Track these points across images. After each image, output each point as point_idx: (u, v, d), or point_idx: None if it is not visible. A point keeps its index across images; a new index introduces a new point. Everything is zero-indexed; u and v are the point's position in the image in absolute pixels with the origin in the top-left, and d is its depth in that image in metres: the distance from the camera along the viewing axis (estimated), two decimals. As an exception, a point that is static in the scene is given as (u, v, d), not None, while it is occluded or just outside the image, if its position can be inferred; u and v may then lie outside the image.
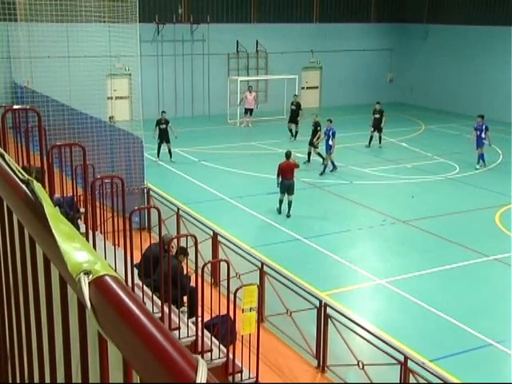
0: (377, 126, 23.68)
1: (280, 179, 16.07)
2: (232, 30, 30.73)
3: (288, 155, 16.46)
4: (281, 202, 16.21)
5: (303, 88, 33.41)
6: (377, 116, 23.73)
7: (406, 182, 19.67)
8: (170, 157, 21.03)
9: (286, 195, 16.13)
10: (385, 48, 35.31)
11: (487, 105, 30.87)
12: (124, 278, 7.31)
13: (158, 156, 20.91)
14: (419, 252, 14.01)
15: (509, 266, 13.23)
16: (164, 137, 20.81)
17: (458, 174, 20.71)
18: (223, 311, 8.09)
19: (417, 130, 28.31)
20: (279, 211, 16.18)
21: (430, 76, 33.95)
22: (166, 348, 0.94)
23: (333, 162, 20.37)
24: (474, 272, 13.02)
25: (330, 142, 20.30)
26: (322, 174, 20.12)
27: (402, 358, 7.96)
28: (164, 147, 20.88)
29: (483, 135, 21.44)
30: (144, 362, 0.96)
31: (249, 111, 27.71)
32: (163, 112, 21.46)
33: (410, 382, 7.87)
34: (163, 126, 20.74)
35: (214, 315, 8.76)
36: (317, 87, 34.58)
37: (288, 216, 16.00)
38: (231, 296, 7.67)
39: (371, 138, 23.75)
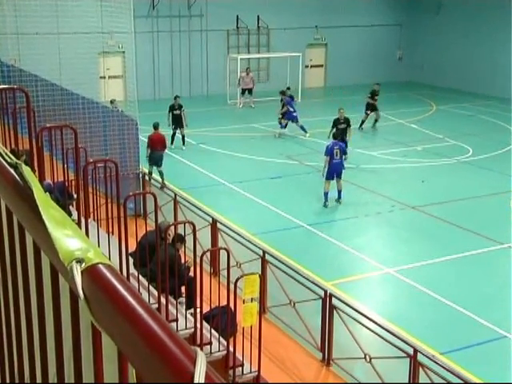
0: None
1: (149, 151, 16.57)
2: (231, 4, 30.51)
3: (156, 126, 16.90)
4: (150, 173, 16.39)
5: (307, 66, 33.28)
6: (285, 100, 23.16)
7: (415, 166, 19.65)
8: (183, 143, 20.98)
9: (155, 167, 16.62)
10: (394, 23, 35.10)
11: (503, 83, 30.72)
12: (118, 267, 7.34)
13: (173, 143, 20.77)
14: (429, 239, 14.03)
15: (524, 254, 13.25)
16: (178, 123, 20.71)
17: (471, 157, 20.68)
18: (223, 302, 8.12)
19: (428, 110, 28.23)
20: (150, 179, 16.03)
21: (441, 53, 33.77)
22: (162, 339, 0.94)
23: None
24: (487, 260, 13.04)
25: (344, 163, 16.45)
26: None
27: (411, 351, 8.00)
28: (178, 133, 20.83)
29: (291, 109, 22.60)
30: (140, 353, 0.97)
31: (247, 91, 27.76)
32: (177, 97, 21.28)
33: (420, 375, 7.90)
34: (177, 112, 20.64)
35: (213, 306, 8.79)
36: (322, 65, 34.44)
37: (162, 186, 15.62)
38: (231, 286, 7.69)
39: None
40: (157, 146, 16.70)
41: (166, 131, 19.84)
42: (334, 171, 15.86)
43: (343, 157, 16.15)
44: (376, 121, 24.01)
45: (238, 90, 28.19)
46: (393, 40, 35.36)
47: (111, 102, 19.47)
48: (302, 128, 22.75)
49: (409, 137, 23.18)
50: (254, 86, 27.96)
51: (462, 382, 7.72)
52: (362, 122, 23.72)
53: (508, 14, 30.15)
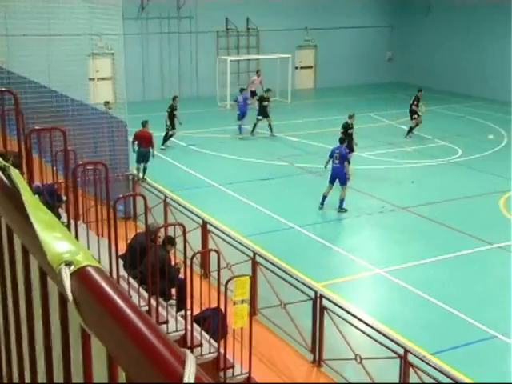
0: (264, 113, 23.17)
1: (136, 147, 16.82)
2: (221, 6, 30.48)
3: (143, 124, 17.23)
4: (138, 169, 16.67)
5: (297, 68, 33.32)
6: (265, 103, 23.24)
7: (405, 167, 19.72)
8: (165, 141, 21.26)
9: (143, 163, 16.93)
10: (384, 25, 35.22)
11: (492, 85, 30.92)
12: (109, 269, 7.32)
13: (164, 143, 21.00)
14: (420, 240, 14.07)
15: (514, 254, 13.33)
16: (174, 123, 21.02)
17: (460, 157, 20.78)
18: (214, 304, 8.12)
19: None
20: (138, 178, 16.09)
21: (431, 55, 33.91)
22: (152, 342, 0.94)
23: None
24: (477, 261, 13.10)
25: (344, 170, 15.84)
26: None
27: (401, 352, 8.02)
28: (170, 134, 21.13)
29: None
30: (129, 356, 0.96)
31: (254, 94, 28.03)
32: (176, 97, 21.50)
33: (410, 376, 7.92)
34: (176, 112, 20.93)
35: (204, 308, 8.78)
36: (312, 67, 34.50)
37: (143, 180, 16.00)
38: (222, 288, 7.69)
39: (255, 125, 23.26)
40: (141, 142, 16.97)
41: (158, 132, 19.81)
42: (334, 176, 15.74)
43: (345, 163, 15.71)
44: (412, 128, 23.58)
45: (229, 90, 28.23)
46: (383, 41, 35.47)
47: (105, 103, 19.48)
48: (240, 127, 23.25)
49: (399, 138, 23.27)
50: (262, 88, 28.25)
51: (452, 382, 7.75)
52: (410, 128, 23.55)
53: (497, 15, 30.36)
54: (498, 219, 15.38)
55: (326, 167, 16.28)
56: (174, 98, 21.30)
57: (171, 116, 20.90)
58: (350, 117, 18.80)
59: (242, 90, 24.33)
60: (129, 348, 0.96)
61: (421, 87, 25.31)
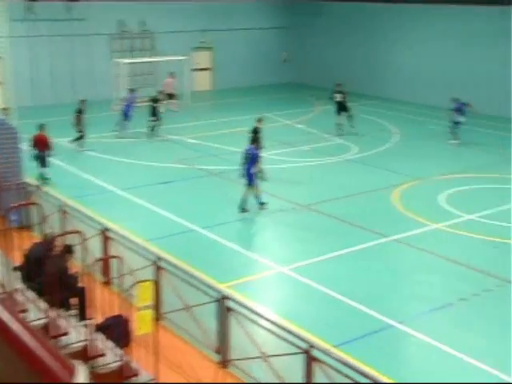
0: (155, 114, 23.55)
1: (35, 151, 17.14)
2: (114, 8, 30.08)
3: (39, 127, 17.50)
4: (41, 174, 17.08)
5: (194, 70, 33.29)
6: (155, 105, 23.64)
7: (303, 165, 20.15)
8: (75, 140, 21.28)
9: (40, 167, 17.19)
10: (279, 26, 35.82)
11: (382, 83, 32.20)
12: (3, 282, 7.03)
13: (79, 144, 21.19)
14: (321, 236, 14.43)
15: (407, 245, 13.94)
16: (80, 125, 21.20)
17: (356, 154, 21.49)
18: (117, 311, 7.97)
19: (313, 110, 29.02)
20: (43, 184, 16.21)
21: (325, 55, 34.85)
22: (40, 356, 0.92)
23: None
24: (374, 254, 13.59)
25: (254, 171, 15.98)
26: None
27: (306, 347, 8.18)
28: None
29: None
30: (17, 372, 0.94)
31: (169, 95, 27.67)
32: (84, 100, 21.41)
33: (316, 369, 8.10)
34: (83, 116, 21.07)
35: (107, 316, 8.61)
36: (208, 69, 34.57)
37: (38, 187, 15.14)
38: (125, 294, 7.57)
39: (150, 127, 23.56)
40: (38, 146, 17.16)
41: (56, 137, 19.17)
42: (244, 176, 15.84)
43: (255, 164, 15.77)
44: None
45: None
46: (279, 42, 36.07)
47: (3, 110, 18.78)
48: (121, 128, 23.50)
49: (296, 137, 23.76)
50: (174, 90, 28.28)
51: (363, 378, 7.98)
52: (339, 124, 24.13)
53: (387, 15, 31.63)
54: (391, 213, 16.03)
55: (242, 175, 15.93)
56: (82, 102, 21.33)
57: (78, 119, 20.93)
58: (259, 120, 18.88)
59: (131, 91, 24.20)
60: (16, 363, 0.94)
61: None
